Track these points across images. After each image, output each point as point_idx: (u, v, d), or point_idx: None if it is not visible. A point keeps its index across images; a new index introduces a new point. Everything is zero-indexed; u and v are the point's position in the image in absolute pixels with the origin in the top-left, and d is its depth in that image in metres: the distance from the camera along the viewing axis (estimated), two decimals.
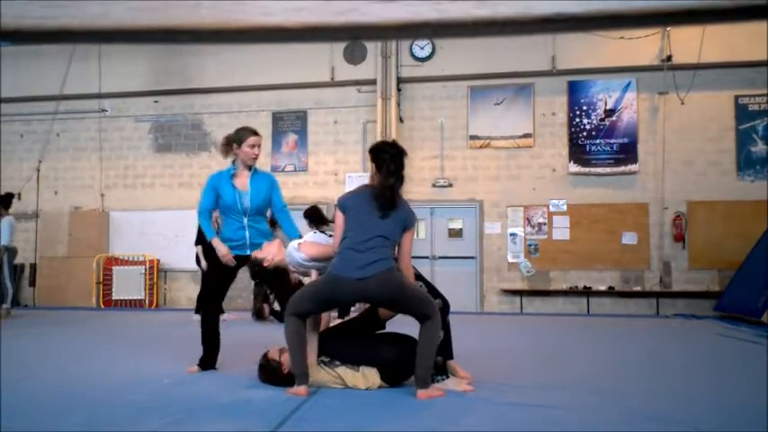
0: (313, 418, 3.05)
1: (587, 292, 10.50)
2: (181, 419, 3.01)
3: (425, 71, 11.16)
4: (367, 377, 3.68)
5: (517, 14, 0.96)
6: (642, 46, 10.37)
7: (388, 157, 3.58)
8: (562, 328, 7.81)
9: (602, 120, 10.64)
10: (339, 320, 4.94)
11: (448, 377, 3.76)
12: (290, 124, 11.50)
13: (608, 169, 10.55)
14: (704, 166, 10.38)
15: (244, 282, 7.95)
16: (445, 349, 3.99)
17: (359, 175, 10.63)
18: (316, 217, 7.31)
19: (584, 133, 10.67)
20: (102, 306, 11.36)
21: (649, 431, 2.89)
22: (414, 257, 3.81)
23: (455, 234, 11.05)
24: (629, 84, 10.60)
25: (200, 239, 8.47)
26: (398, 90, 11.08)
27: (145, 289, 11.40)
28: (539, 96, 10.85)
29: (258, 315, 8.34)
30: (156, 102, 12.01)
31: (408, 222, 3.62)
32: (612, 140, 10.57)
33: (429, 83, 11.15)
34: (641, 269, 10.46)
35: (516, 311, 10.61)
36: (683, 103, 10.40)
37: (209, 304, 4.43)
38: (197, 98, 11.83)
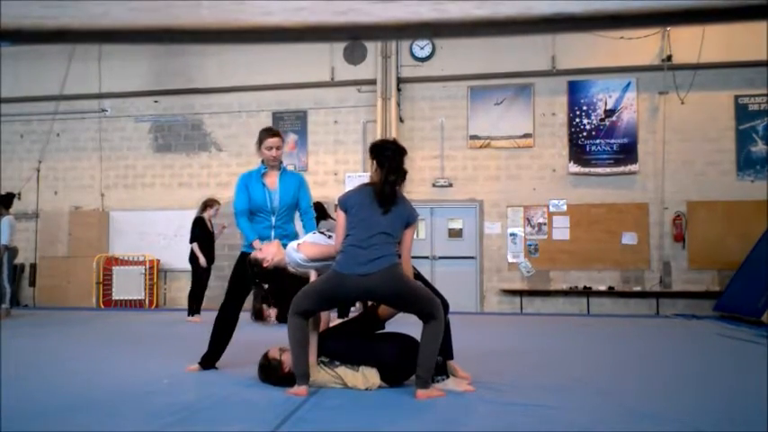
0: (313, 419, 3.05)
1: (587, 292, 10.50)
2: (181, 419, 3.01)
3: (425, 71, 11.16)
4: (367, 377, 3.68)
5: (517, 14, 0.96)
6: (642, 46, 10.38)
7: (389, 155, 3.59)
8: (562, 328, 7.81)
9: (602, 120, 10.64)
10: (339, 321, 4.94)
11: (448, 377, 3.76)
12: (290, 124, 11.50)
13: (608, 169, 10.55)
14: (704, 166, 10.38)
15: None
16: (445, 349, 3.99)
17: (359, 175, 10.63)
18: (319, 213, 7.39)
19: (584, 133, 10.67)
20: (102, 306, 11.36)
21: (649, 431, 2.89)
22: (414, 257, 3.82)
23: (455, 234, 11.05)
24: (629, 84, 10.60)
25: (195, 237, 8.49)
26: (398, 90, 11.08)
27: (145, 289, 11.40)
28: (539, 96, 10.85)
29: (257, 316, 8.34)
30: (156, 102, 12.01)
31: (410, 219, 3.63)
32: (612, 140, 10.57)
33: (429, 83, 11.15)
34: (641, 269, 10.46)
35: (516, 311, 10.61)
36: (683, 103, 10.40)
37: (230, 306, 4.40)
38: (197, 98, 11.83)
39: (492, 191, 10.89)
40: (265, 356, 3.90)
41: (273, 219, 4.36)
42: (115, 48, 11.47)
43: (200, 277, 8.52)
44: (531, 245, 10.76)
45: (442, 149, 11.04)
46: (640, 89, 10.58)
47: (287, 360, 3.73)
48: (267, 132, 4.45)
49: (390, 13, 0.95)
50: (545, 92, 10.84)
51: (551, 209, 10.73)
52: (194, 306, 8.48)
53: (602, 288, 10.49)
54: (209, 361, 4.35)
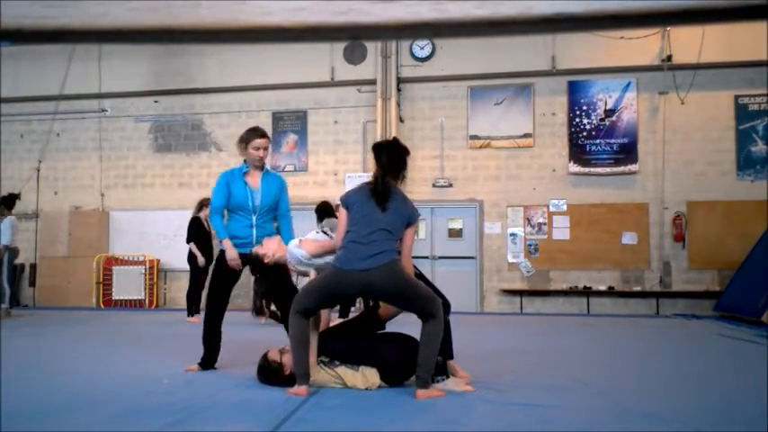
0: (313, 419, 3.05)
1: (587, 292, 10.50)
2: (181, 419, 3.00)
3: (425, 71, 11.17)
4: (367, 377, 3.68)
5: (517, 14, 0.96)
6: (642, 46, 10.38)
7: (384, 154, 3.63)
8: (562, 328, 7.81)
9: (602, 120, 10.64)
10: (340, 321, 4.94)
11: (448, 377, 3.76)
12: (290, 124, 11.51)
13: (608, 169, 10.55)
14: (704, 166, 10.38)
15: (242, 280, 7.96)
16: (445, 349, 3.99)
17: (359, 175, 10.63)
18: (325, 212, 7.49)
19: (584, 133, 10.67)
20: (102, 306, 11.36)
21: (649, 431, 2.89)
22: (414, 257, 3.81)
23: (455, 234, 11.05)
24: (629, 84, 10.60)
25: (191, 237, 8.52)
26: (398, 90, 11.08)
27: (145, 289, 11.40)
28: (539, 96, 10.85)
29: (258, 312, 8.35)
30: (156, 102, 12.01)
31: (411, 218, 3.64)
32: (612, 140, 10.58)
33: (429, 83, 11.15)
34: (641, 269, 10.47)
35: (516, 311, 10.61)
36: (683, 103, 10.40)
37: (214, 305, 4.41)
38: (197, 98, 11.84)
39: (492, 191, 10.89)
40: (265, 357, 3.88)
41: (254, 218, 4.37)
42: (115, 48, 11.47)
43: (197, 277, 8.54)
44: (531, 245, 10.76)
45: (441, 149, 11.04)
46: (640, 89, 10.58)
47: (287, 361, 3.72)
48: (255, 133, 4.43)
49: (390, 13, 0.95)
50: (545, 92, 10.85)
51: (551, 209, 10.73)
52: (193, 306, 8.49)
53: (602, 288, 10.49)
54: (208, 361, 4.35)
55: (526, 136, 10.84)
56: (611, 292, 10.47)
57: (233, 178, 4.40)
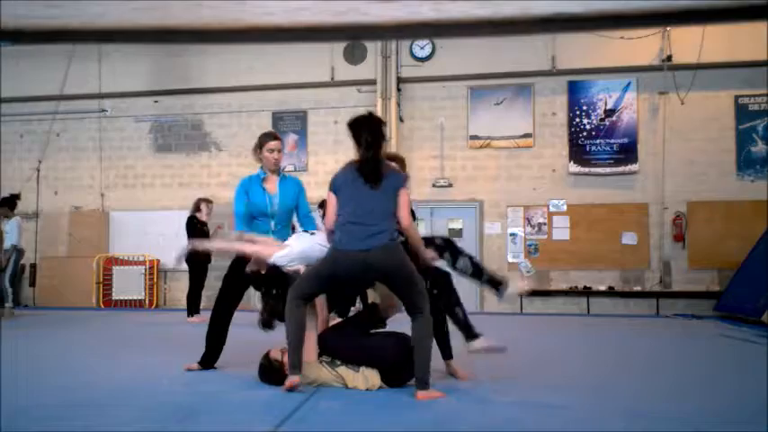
0: (313, 419, 3.05)
1: (587, 292, 10.50)
2: (181, 419, 3.01)
3: (425, 71, 11.16)
4: (368, 378, 3.68)
5: (517, 14, 0.96)
6: (642, 46, 10.37)
7: (364, 130, 3.58)
8: (562, 328, 7.81)
9: (602, 120, 10.64)
10: (339, 320, 4.93)
11: (476, 338, 3.92)
12: (290, 124, 11.50)
13: (608, 169, 10.55)
14: (704, 166, 10.37)
15: None
16: (445, 349, 4.02)
17: None
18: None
19: (585, 133, 10.67)
20: (102, 306, 11.36)
21: (649, 431, 2.89)
22: None
23: (455, 234, 11.03)
24: (629, 84, 10.60)
25: (191, 236, 8.50)
26: (398, 90, 11.08)
27: (145, 289, 11.40)
28: (539, 96, 10.85)
29: (266, 325, 8.30)
30: (156, 102, 12.01)
31: (399, 184, 3.60)
32: (612, 140, 10.57)
33: (429, 83, 11.15)
34: (641, 269, 10.46)
35: (516, 311, 10.61)
36: (683, 103, 10.40)
37: (223, 306, 4.39)
38: (197, 98, 11.83)
39: (492, 191, 10.89)
40: (266, 357, 3.88)
41: (273, 223, 4.38)
42: (115, 48, 11.46)
43: (197, 277, 8.53)
44: (531, 245, 10.76)
45: (441, 149, 11.03)
46: (640, 89, 10.58)
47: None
48: (269, 136, 4.51)
49: (390, 13, 0.95)
50: (545, 92, 10.84)
51: (551, 209, 10.73)
52: (193, 306, 8.49)
53: (602, 288, 10.49)
54: (208, 361, 4.35)
55: (526, 136, 10.84)
56: (611, 293, 10.47)
57: (251, 185, 4.43)
